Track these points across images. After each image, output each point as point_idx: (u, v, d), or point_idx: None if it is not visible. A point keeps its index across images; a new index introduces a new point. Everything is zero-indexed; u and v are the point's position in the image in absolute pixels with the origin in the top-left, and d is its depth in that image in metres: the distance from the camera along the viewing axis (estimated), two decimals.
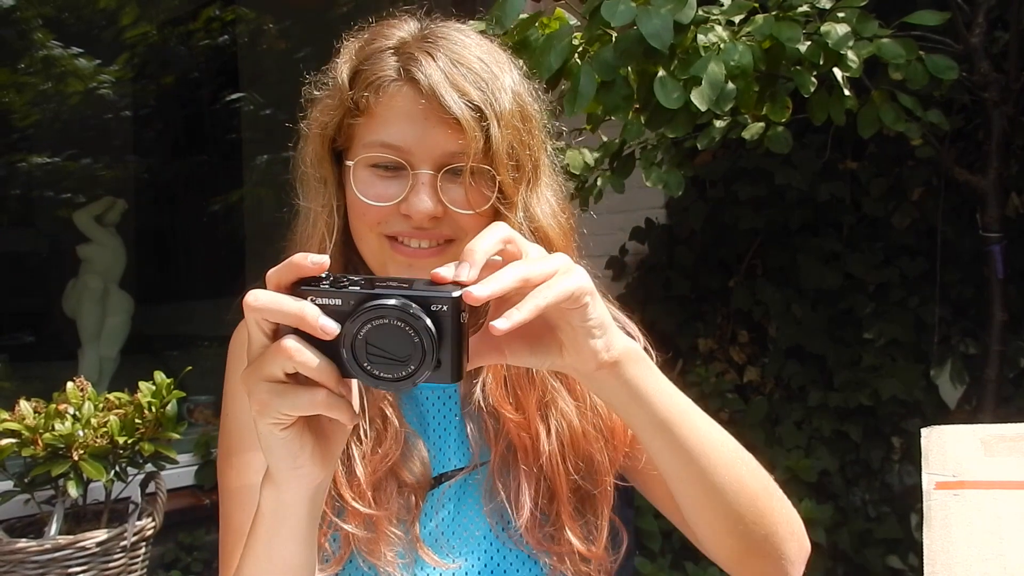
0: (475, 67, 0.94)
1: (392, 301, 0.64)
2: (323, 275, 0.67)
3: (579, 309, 0.72)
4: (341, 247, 0.99)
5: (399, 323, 0.64)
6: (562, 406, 0.99)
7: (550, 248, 0.98)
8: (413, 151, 0.92)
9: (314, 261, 0.66)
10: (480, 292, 0.65)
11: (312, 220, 0.99)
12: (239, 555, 0.81)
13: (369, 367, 0.65)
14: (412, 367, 0.65)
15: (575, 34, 1.86)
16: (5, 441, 2.03)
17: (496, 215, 0.96)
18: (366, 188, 0.94)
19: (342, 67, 0.98)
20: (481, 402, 0.97)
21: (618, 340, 0.76)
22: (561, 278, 0.70)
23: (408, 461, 0.97)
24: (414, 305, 0.65)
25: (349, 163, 0.96)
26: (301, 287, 0.66)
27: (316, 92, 1.01)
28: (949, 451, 0.88)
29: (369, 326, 0.65)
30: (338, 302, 0.65)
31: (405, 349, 0.65)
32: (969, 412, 2.67)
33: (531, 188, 0.99)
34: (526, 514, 0.95)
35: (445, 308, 0.65)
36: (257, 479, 0.79)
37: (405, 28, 0.99)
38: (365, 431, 0.96)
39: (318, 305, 0.65)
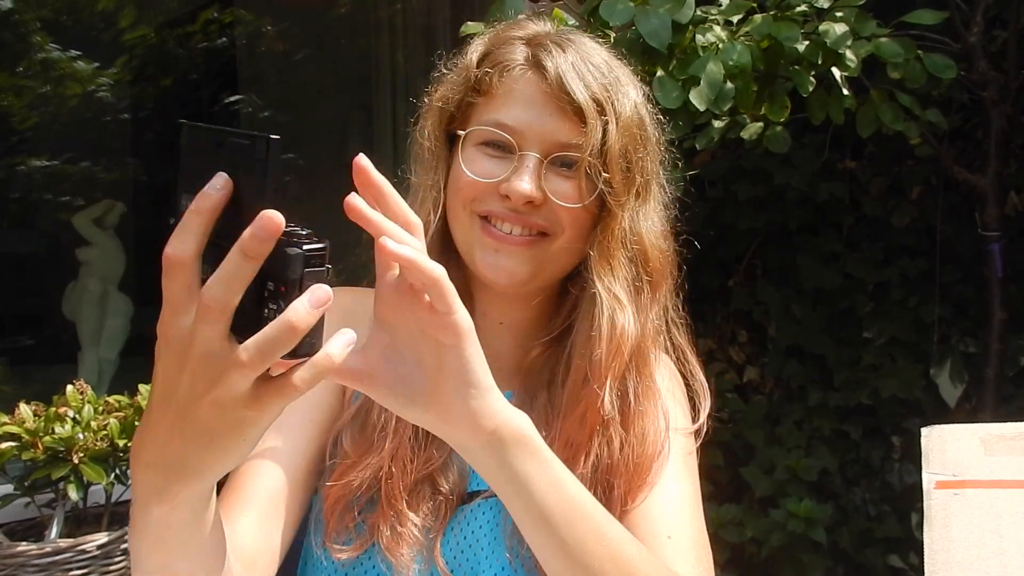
0: (602, 68, 0.95)
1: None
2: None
3: (452, 347, 0.66)
4: (443, 227, 0.99)
5: None
6: (611, 434, 0.96)
7: (647, 268, 0.98)
8: (525, 134, 0.93)
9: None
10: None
11: (420, 197, 0.99)
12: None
13: None
14: None
15: None
16: (5, 444, 2.02)
17: (599, 218, 0.95)
18: (471, 164, 0.95)
19: (474, 49, 1.00)
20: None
21: (500, 410, 0.71)
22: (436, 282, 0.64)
23: (447, 470, 0.96)
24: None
25: (460, 132, 0.96)
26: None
27: (445, 71, 1.02)
28: (949, 450, 0.88)
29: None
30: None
31: None
32: (969, 411, 2.67)
33: (640, 202, 0.98)
34: None
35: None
36: (266, 444, 0.84)
37: (540, 26, 1.01)
38: (416, 433, 0.95)
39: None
